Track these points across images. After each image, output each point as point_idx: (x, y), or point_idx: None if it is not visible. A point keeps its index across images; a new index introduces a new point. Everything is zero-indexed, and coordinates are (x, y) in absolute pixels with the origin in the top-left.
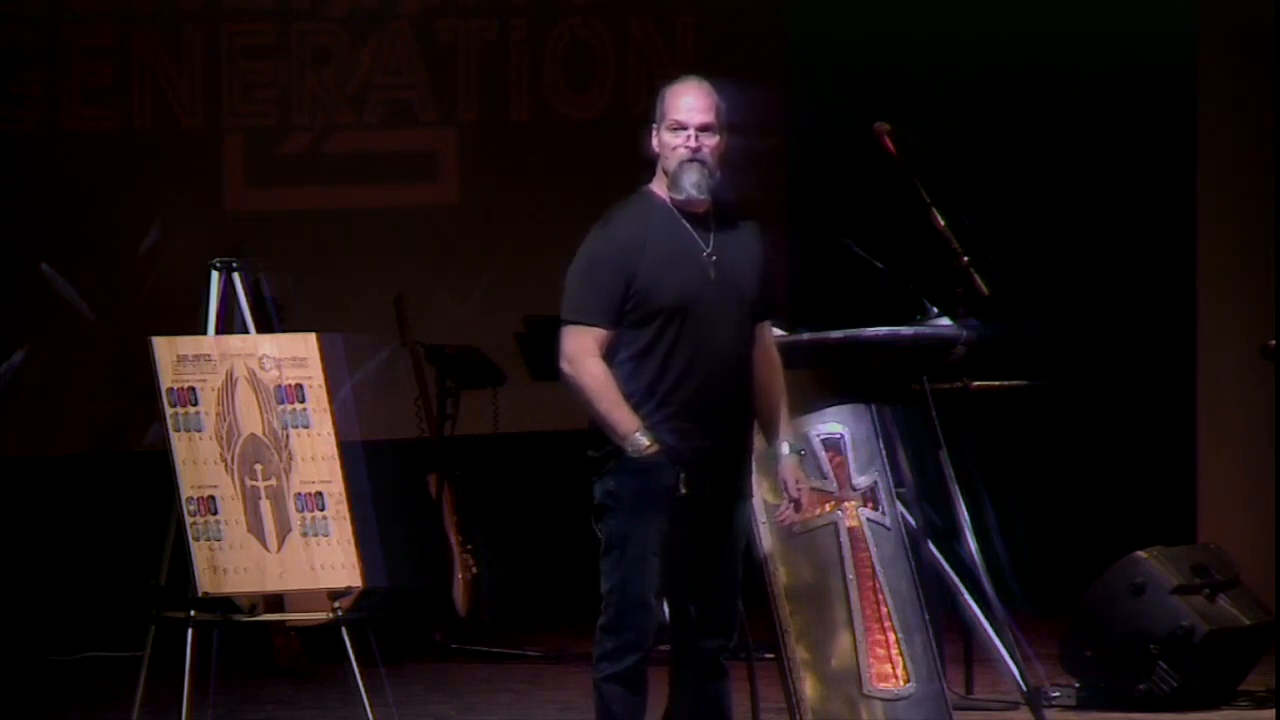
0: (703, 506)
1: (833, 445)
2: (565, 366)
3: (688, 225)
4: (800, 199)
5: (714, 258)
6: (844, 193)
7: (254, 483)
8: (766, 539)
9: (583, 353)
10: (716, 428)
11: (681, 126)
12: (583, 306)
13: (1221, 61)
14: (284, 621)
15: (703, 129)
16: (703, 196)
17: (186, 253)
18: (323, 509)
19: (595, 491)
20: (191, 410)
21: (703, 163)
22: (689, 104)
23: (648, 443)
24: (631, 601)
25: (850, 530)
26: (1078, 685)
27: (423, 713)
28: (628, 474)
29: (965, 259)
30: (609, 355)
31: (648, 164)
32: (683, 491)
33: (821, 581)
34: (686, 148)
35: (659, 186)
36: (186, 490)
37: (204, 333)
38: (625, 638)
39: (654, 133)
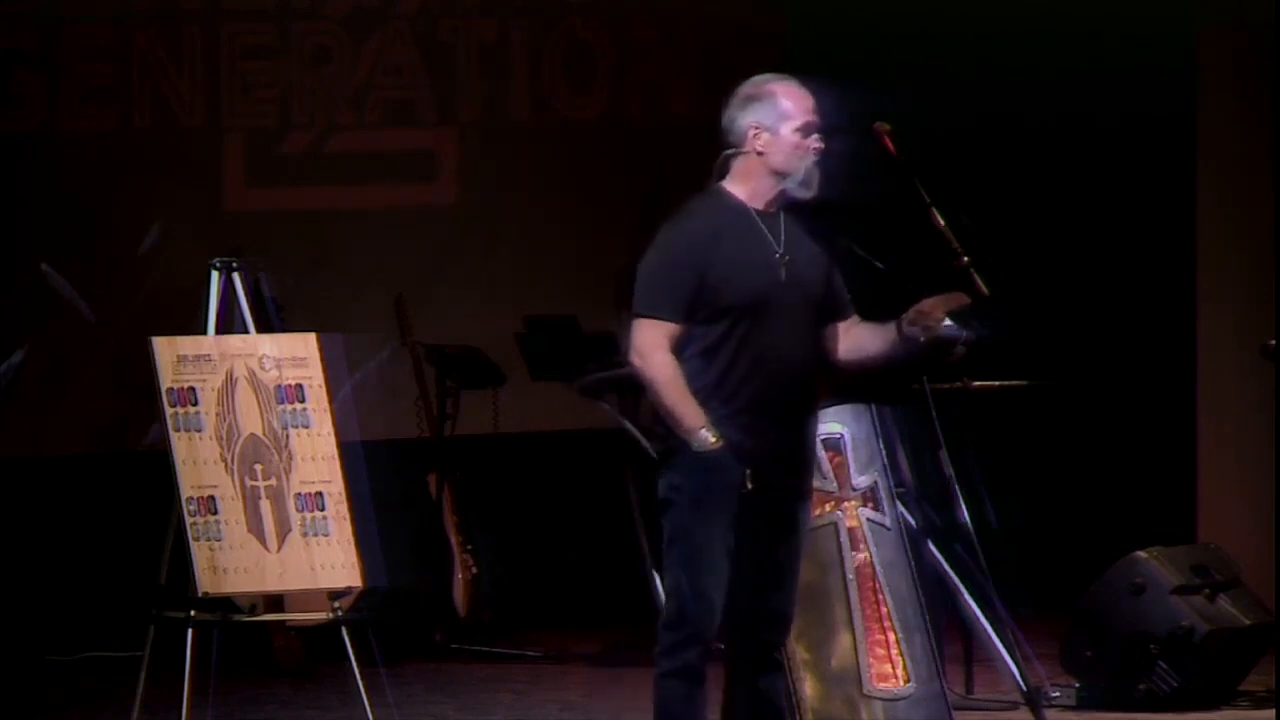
0: (766, 503)
1: (833, 445)
2: (635, 359)
3: (761, 225)
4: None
5: (786, 257)
6: (844, 192)
7: (254, 483)
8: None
9: (652, 346)
10: (781, 426)
11: (816, 128)
12: (654, 300)
13: (1221, 61)
14: (284, 621)
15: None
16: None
17: (186, 253)
18: (323, 509)
19: (659, 485)
20: (191, 410)
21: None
22: (814, 105)
23: (713, 439)
24: (693, 596)
25: (850, 530)
26: (1078, 685)
27: (423, 713)
28: (692, 469)
29: (965, 259)
30: (678, 350)
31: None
32: (749, 488)
33: (821, 581)
34: (818, 148)
35: (735, 186)
36: (186, 490)
37: (204, 333)
38: (684, 632)
39: (757, 132)
